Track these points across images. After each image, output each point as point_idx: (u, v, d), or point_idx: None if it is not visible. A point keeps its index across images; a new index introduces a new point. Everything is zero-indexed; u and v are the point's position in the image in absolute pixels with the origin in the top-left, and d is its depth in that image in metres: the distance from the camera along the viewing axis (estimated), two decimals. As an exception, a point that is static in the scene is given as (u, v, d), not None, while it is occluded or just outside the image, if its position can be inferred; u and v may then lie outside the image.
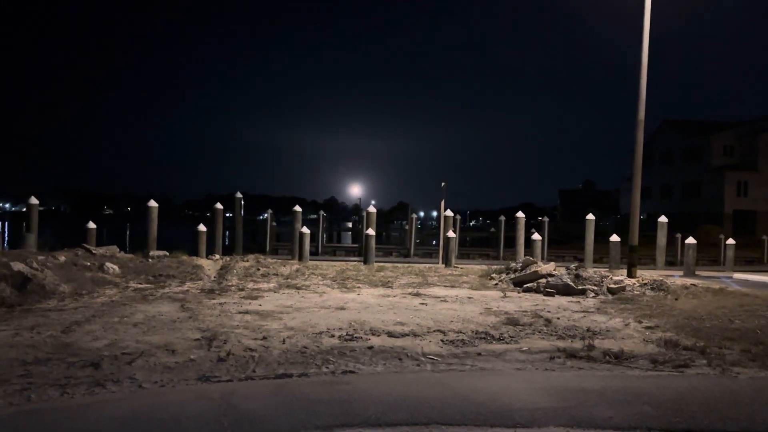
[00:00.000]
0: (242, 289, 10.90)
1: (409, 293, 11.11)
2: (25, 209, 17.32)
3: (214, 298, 9.79)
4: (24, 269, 9.43)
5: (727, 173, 47.19)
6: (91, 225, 17.00)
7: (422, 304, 9.90)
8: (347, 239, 41.42)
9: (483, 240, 38.21)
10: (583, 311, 9.66)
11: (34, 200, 16.46)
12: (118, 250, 13.98)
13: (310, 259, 17.60)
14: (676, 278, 15.49)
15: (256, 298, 9.97)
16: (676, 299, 11.03)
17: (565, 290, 11.50)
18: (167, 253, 14.53)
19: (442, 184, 19.23)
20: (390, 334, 7.23)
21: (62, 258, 11.44)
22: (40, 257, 10.87)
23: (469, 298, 10.82)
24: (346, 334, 7.13)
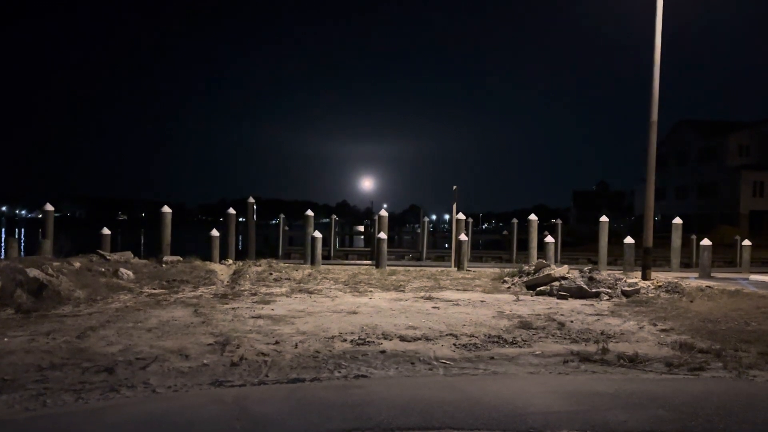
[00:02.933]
0: (255, 294, 10.95)
1: (422, 297, 11.09)
2: (40, 216, 17.50)
3: (227, 303, 9.83)
4: (40, 275, 9.53)
5: (743, 173, 46.67)
6: (106, 231, 17.16)
7: (434, 307, 9.88)
8: (359, 243, 41.46)
9: (495, 243, 38.00)
10: (597, 314, 9.59)
11: (49, 207, 16.63)
12: (132, 255, 14.10)
13: (323, 263, 17.64)
14: (692, 280, 15.33)
15: (268, 302, 10.01)
16: (691, 301, 10.92)
17: (578, 293, 11.42)
18: (181, 259, 14.63)
19: (454, 187, 19.19)
20: (402, 338, 7.22)
21: (77, 264, 11.55)
22: (56, 263, 10.98)
23: (482, 301, 10.78)
24: (359, 339, 7.13)
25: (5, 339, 6.82)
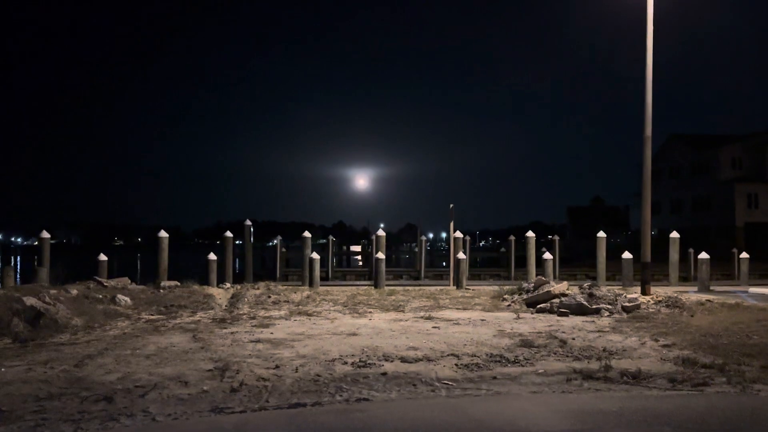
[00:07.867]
0: (253, 318, 10.88)
1: (421, 317, 11.04)
2: (36, 243, 17.46)
3: (225, 328, 9.76)
4: (36, 304, 9.46)
5: (737, 186, 46.87)
6: (102, 257, 17.10)
7: (435, 327, 9.83)
8: (357, 263, 41.40)
9: (493, 260, 38.06)
10: (599, 331, 9.55)
11: (45, 234, 16.60)
12: (129, 281, 14.05)
13: (321, 285, 17.57)
14: (691, 294, 15.32)
15: (267, 326, 9.94)
16: (692, 316, 10.90)
17: (578, 310, 11.39)
18: (178, 283, 14.57)
19: (451, 206, 19.23)
20: (403, 360, 7.17)
21: (74, 291, 11.49)
22: (53, 291, 10.92)
23: (482, 320, 10.74)
24: (359, 361, 7.07)
25: (2, 369, 6.74)
